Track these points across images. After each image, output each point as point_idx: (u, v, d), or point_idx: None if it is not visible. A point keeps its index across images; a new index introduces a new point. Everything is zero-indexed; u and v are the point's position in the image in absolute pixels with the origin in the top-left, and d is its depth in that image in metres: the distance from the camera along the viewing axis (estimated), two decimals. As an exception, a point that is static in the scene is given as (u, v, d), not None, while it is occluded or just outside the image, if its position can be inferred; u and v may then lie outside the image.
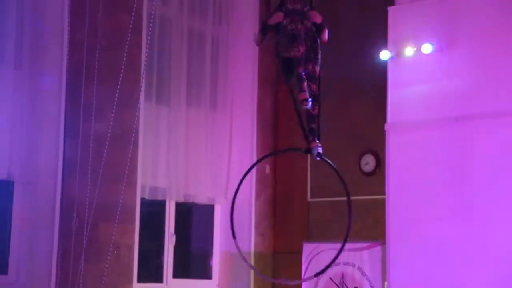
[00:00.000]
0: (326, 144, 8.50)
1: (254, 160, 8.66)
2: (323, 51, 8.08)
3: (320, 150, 5.12)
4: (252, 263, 8.50)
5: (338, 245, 7.85)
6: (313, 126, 5.12)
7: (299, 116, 5.14)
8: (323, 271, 5.05)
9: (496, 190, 6.67)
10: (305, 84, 4.84)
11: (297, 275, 8.01)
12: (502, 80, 6.76)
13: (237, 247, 5.20)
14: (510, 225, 6.54)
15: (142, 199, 7.71)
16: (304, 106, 4.91)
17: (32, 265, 6.97)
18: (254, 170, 8.61)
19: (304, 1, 5.11)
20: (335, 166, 5.09)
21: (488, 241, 6.63)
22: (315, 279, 7.69)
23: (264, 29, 5.14)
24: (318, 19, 5.03)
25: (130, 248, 7.41)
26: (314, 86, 4.99)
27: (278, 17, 5.03)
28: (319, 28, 5.02)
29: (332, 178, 8.18)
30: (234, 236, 5.19)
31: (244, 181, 8.74)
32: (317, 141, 5.10)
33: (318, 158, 5.16)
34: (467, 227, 6.78)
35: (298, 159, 8.59)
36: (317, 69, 5.02)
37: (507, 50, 6.75)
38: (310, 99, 4.87)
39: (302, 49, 4.86)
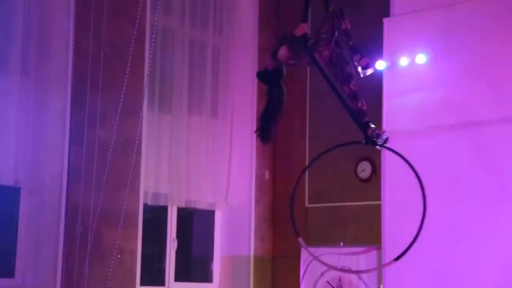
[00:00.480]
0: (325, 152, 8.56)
1: (254, 166, 8.69)
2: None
3: (386, 136, 5.06)
4: (252, 266, 8.50)
5: (336, 250, 7.93)
6: (367, 119, 5.10)
7: (351, 114, 5.13)
8: (404, 252, 5.11)
9: (490, 197, 6.65)
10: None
11: (296, 279, 8.00)
12: (492, 90, 6.74)
13: (302, 244, 5.41)
14: (503, 231, 6.53)
15: (145, 205, 7.72)
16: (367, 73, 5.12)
17: (38, 269, 6.97)
18: (253, 176, 8.65)
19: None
20: (404, 157, 5.06)
21: (482, 246, 6.61)
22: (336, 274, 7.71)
23: (286, 41, 5.21)
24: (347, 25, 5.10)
25: (133, 253, 7.43)
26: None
27: (302, 28, 5.10)
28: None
29: (330, 184, 8.31)
30: (298, 235, 5.33)
31: (244, 187, 8.82)
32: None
33: (378, 147, 5.13)
34: (461, 232, 6.76)
35: (297, 166, 8.55)
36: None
37: (497, 61, 6.74)
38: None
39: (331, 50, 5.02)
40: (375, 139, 5.03)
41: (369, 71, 5.19)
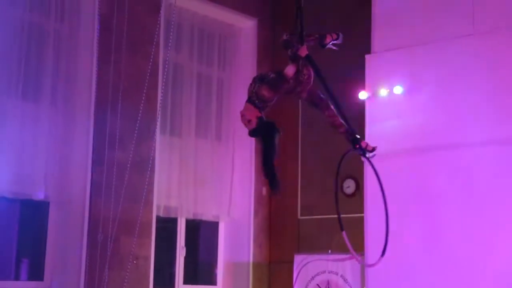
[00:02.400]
0: (313, 170, 8.62)
1: (253, 184, 8.59)
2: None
3: (375, 153, 4.85)
4: (251, 271, 8.48)
5: (324, 256, 7.90)
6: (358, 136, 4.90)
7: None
8: (385, 247, 4.97)
9: (458, 211, 6.66)
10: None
11: (290, 281, 8.00)
12: (460, 117, 6.78)
13: (345, 238, 5.10)
14: (474, 238, 6.53)
15: (157, 217, 7.69)
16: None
17: (64, 273, 6.96)
18: (252, 192, 8.57)
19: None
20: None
21: (454, 254, 6.62)
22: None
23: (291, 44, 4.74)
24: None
25: (147, 259, 7.41)
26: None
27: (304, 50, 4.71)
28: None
29: (319, 199, 8.32)
30: (342, 229, 5.05)
31: (244, 201, 8.75)
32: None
33: (365, 158, 4.88)
34: (433, 241, 6.76)
35: (290, 184, 8.57)
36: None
37: (463, 92, 6.79)
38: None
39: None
40: (367, 150, 4.93)
41: (373, 153, 4.94)
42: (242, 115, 4.64)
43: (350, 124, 4.87)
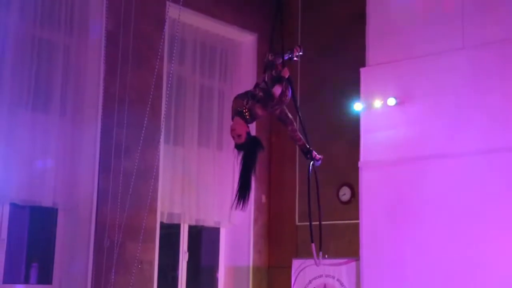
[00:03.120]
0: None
1: (253, 191, 8.51)
2: (309, 102, 8.16)
3: (320, 162, 5.18)
4: (251, 275, 8.48)
5: (321, 261, 7.91)
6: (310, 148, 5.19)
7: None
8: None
9: (450, 219, 6.68)
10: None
11: (288, 285, 8.02)
12: (451, 127, 6.82)
13: (313, 249, 5.18)
14: (466, 245, 6.54)
15: (161, 223, 7.68)
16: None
17: (72, 277, 6.95)
18: (252, 201, 8.48)
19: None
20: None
21: (446, 260, 6.63)
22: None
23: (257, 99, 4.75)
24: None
25: (151, 263, 7.40)
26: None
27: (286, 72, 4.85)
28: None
29: (316, 206, 8.29)
30: (312, 241, 5.16)
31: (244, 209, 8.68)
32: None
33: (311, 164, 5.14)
34: (426, 248, 6.77)
35: (288, 192, 8.63)
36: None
37: (453, 103, 6.83)
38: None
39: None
40: (316, 159, 5.19)
41: (320, 162, 5.25)
42: (233, 129, 4.66)
43: (308, 139, 5.18)
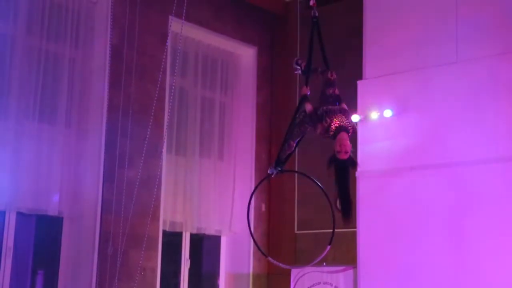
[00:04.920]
0: (310, 188, 8.61)
1: (253, 200, 8.62)
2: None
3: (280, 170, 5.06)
4: (251, 282, 8.48)
5: (319, 268, 7.93)
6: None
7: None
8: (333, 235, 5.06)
9: (447, 227, 6.69)
10: None
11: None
12: (445, 138, 6.83)
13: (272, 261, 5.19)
14: (464, 252, 6.54)
15: (164, 231, 7.70)
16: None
17: (76, 283, 6.95)
18: (252, 209, 8.51)
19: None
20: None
21: (445, 267, 6.63)
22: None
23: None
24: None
25: (153, 270, 7.41)
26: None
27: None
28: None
29: (314, 215, 8.34)
30: (266, 256, 5.20)
31: (244, 217, 8.66)
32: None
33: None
34: (424, 255, 6.76)
35: (287, 201, 8.61)
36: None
37: (447, 114, 6.85)
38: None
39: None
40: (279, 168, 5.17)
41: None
42: (345, 145, 4.54)
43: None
